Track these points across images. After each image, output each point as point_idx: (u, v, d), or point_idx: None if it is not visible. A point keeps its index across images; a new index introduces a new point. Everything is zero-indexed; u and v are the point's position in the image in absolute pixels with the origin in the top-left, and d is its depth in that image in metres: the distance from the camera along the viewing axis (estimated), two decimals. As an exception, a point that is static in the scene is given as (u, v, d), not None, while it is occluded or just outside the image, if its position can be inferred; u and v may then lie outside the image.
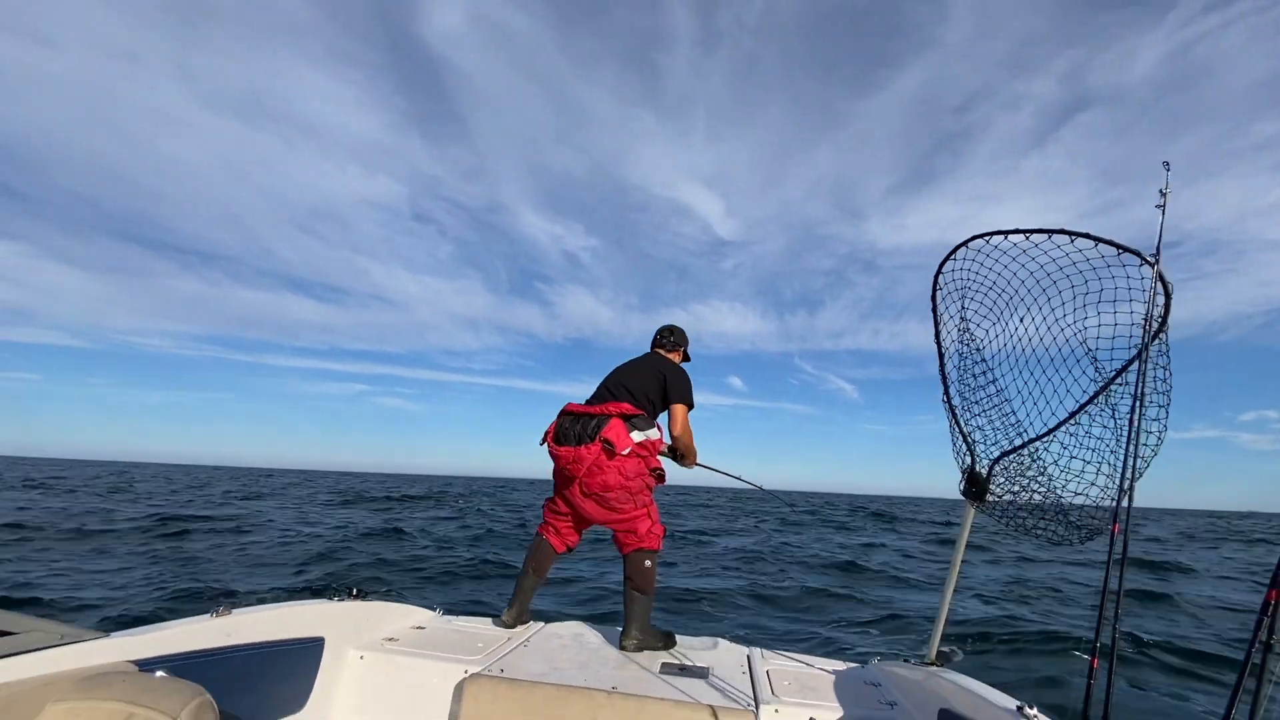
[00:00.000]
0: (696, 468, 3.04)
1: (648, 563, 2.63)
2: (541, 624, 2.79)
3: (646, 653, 2.49)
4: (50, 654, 1.44)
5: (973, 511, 2.28)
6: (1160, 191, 1.65)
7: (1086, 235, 1.82)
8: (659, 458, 2.79)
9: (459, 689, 2.08)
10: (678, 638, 2.67)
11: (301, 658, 2.10)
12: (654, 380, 2.79)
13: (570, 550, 2.89)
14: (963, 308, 2.28)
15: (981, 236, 2.08)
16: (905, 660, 2.44)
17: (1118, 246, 1.78)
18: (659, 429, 2.73)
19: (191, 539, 10.71)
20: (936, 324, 2.31)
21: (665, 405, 2.82)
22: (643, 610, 2.57)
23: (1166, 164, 1.69)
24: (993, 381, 2.23)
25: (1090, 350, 1.92)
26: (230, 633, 1.86)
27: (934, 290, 2.28)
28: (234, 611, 1.93)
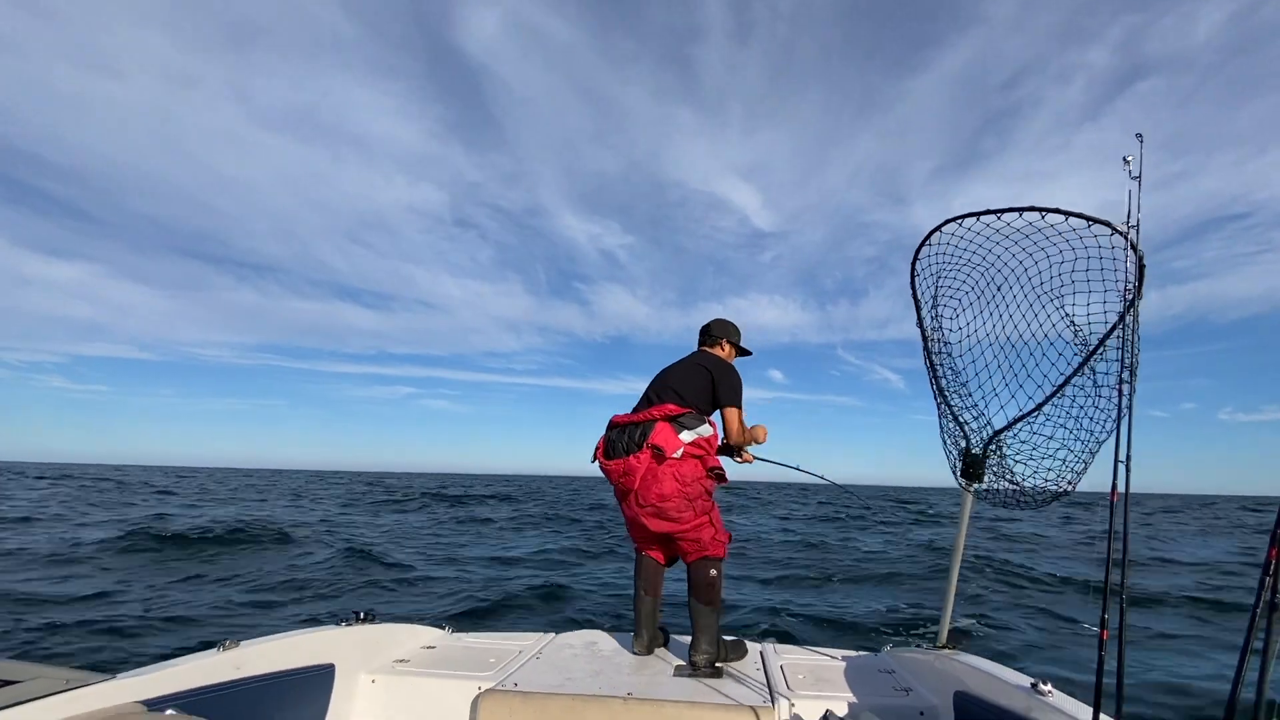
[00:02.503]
0: (758, 463, 2.83)
1: (713, 572, 2.47)
2: (553, 635, 2.78)
3: (659, 656, 2.48)
4: (56, 700, 1.42)
5: (970, 495, 2.30)
6: (1124, 159, 1.67)
7: (1057, 210, 1.85)
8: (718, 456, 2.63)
9: (474, 706, 2.07)
10: (684, 639, 2.66)
11: (312, 685, 2.08)
12: (699, 378, 2.61)
13: (674, 562, 2.72)
14: (940, 290, 2.33)
15: (954, 220, 2.13)
16: (917, 645, 2.45)
17: (1087, 219, 1.82)
18: (712, 424, 2.54)
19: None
20: (919, 310, 2.35)
21: (715, 405, 2.62)
22: (710, 623, 2.42)
23: (1139, 136, 1.71)
24: (976, 362, 2.26)
25: (1069, 318, 1.95)
26: (238, 666, 1.84)
27: (912, 277, 2.32)
28: (241, 644, 1.91)
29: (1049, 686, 1.72)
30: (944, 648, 2.29)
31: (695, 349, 2.89)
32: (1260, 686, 0.99)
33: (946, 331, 2.35)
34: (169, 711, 1.34)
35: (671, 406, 2.47)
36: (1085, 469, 2.01)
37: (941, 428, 2.42)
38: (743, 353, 2.97)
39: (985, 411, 2.29)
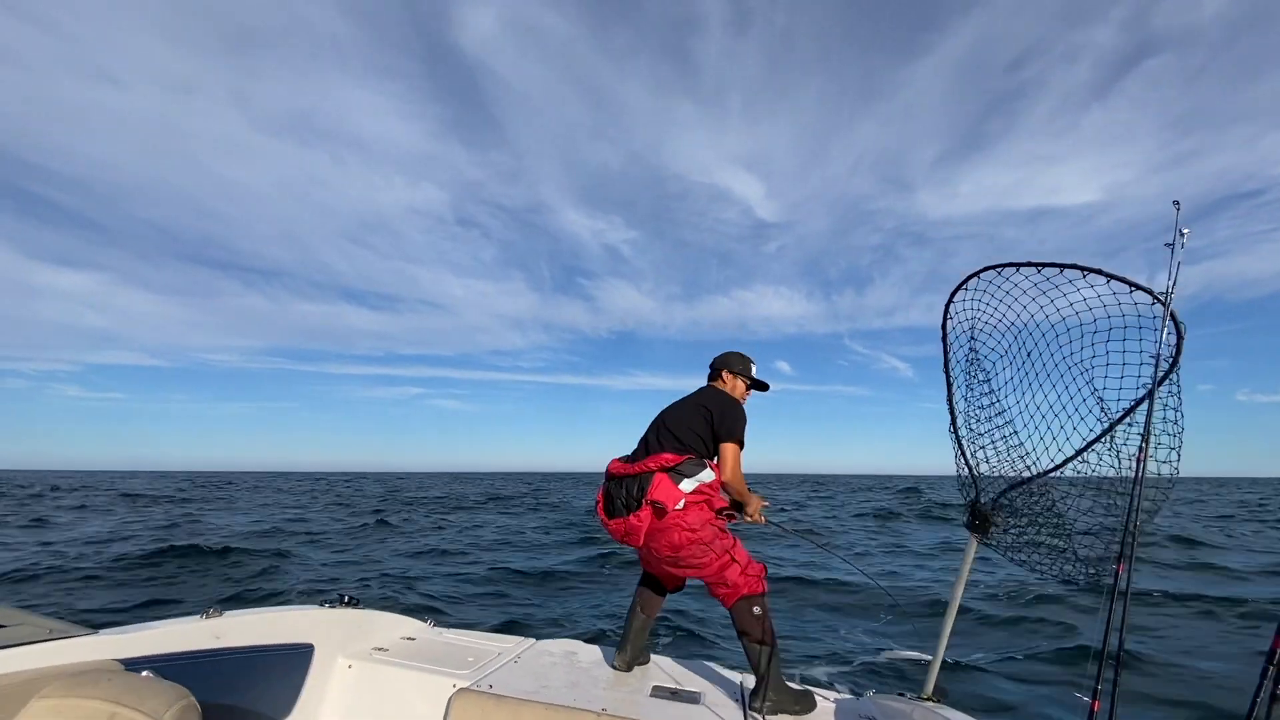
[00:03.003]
0: (767, 526, 2.57)
1: (756, 610, 2.29)
2: (533, 641, 2.76)
3: (637, 674, 2.44)
4: (38, 649, 1.43)
5: (974, 545, 2.26)
6: (1180, 231, 1.65)
7: (1099, 271, 1.82)
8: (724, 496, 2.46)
9: (448, 704, 2.05)
10: (668, 664, 2.62)
11: (290, 664, 2.08)
12: (699, 416, 2.44)
13: (679, 589, 2.65)
14: (972, 338, 2.28)
15: (993, 268, 2.10)
16: (900, 694, 2.39)
17: (1129, 284, 1.79)
18: (714, 469, 2.38)
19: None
20: (946, 354, 2.31)
21: (717, 443, 2.45)
22: (769, 665, 2.25)
23: (1177, 204, 1.69)
24: (1000, 414, 2.22)
25: (1096, 390, 1.91)
26: (219, 635, 1.85)
27: (944, 320, 2.28)
28: (224, 614, 1.92)
29: None
30: (928, 699, 2.24)
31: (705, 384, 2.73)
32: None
33: (981, 381, 2.30)
34: (145, 673, 1.35)
35: (668, 456, 2.31)
36: (1085, 564, 1.96)
37: (958, 474, 2.39)
38: (757, 386, 2.75)
39: (1000, 464, 2.25)
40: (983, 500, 2.26)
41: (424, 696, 2.12)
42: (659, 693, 2.26)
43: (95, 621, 1.73)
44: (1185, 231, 1.66)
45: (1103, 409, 1.94)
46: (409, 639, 2.55)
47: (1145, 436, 1.66)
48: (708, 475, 2.32)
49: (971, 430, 2.32)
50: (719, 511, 2.38)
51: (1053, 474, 2.06)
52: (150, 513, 18.30)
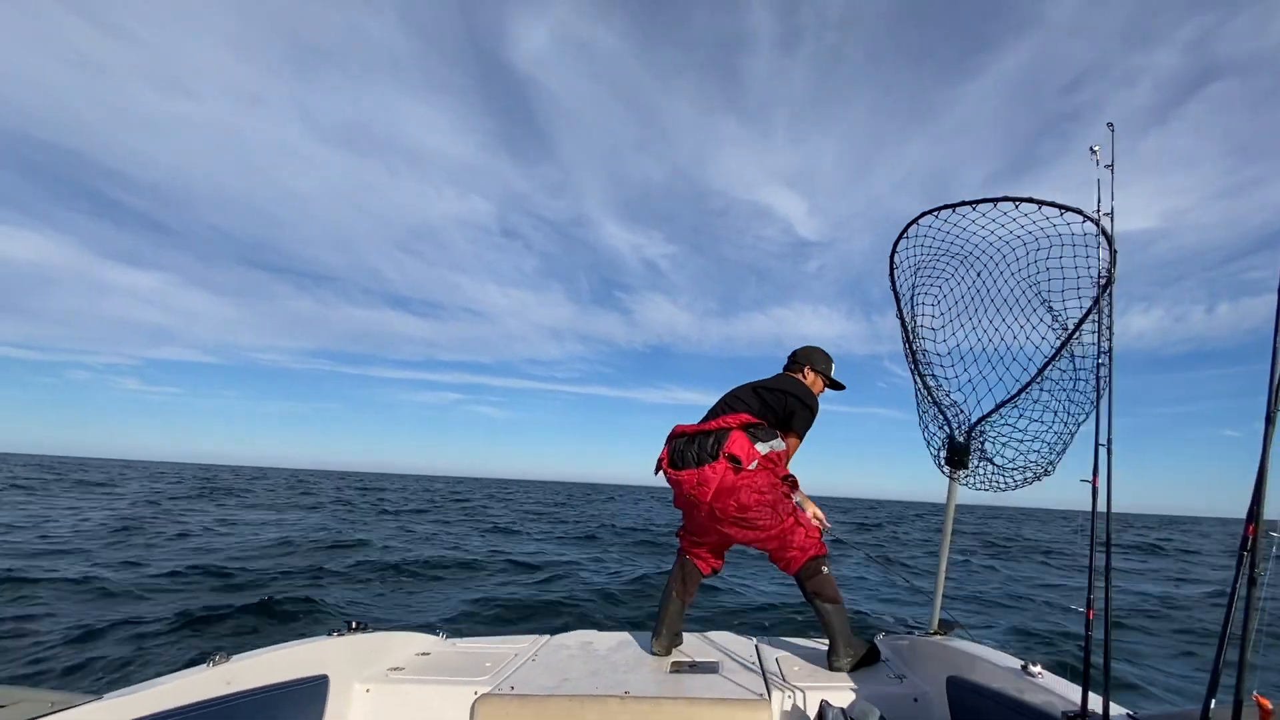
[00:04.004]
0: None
1: (824, 569, 2.37)
2: (547, 637, 2.77)
3: (655, 655, 2.47)
4: None
5: (956, 484, 2.33)
6: (1092, 149, 1.72)
7: (1030, 200, 1.92)
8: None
9: (471, 711, 2.06)
10: (685, 637, 2.67)
11: (306, 698, 2.06)
12: (774, 396, 2.49)
13: (716, 573, 2.66)
14: (918, 280, 2.39)
15: (931, 212, 2.19)
16: (909, 632, 2.47)
17: (1060, 207, 1.88)
18: (783, 438, 2.43)
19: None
20: (898, 300, 2.38)
21: (784, 427, 2.48)
22: (843, 622, 2.32)
23: (1110, 125, 1.75)
24: (957, 350, 2.32)
25: (1046, 302, 2.01)
26: (230, 681, 1.81)
27: (891, 269, 2.36)
28: (231, 659, 1.89)
29: (1039, 668, 1.75)
30: (936, 634, 2.32)
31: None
32: (1241, 657, 1.01)
33: (929, 319, 2.39)
34: None
35: (746, 416, 2.35)
36: (1064, 450, 2.06)
37: (921, 418, 2.46)
38: (834, 385, 2.78)
39: (967, 400, 2.33)
40: (958, 436, 2.33)
41: (447, 708, 2.12)
42: (679, 668, 2.30)
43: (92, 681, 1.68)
44: (1096, 149, 1.73)
45: (1054, 319, 2.04)
46: (423, 654, 2.54)
47: (1102, 348, 1.74)
48: (779, 444, 2.37)
49: (934, 373, 2.40)
50: (784, 479, 2.41)
51: (1017, 398, 2.15)
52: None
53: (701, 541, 2.58)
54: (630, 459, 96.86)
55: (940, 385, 2.39)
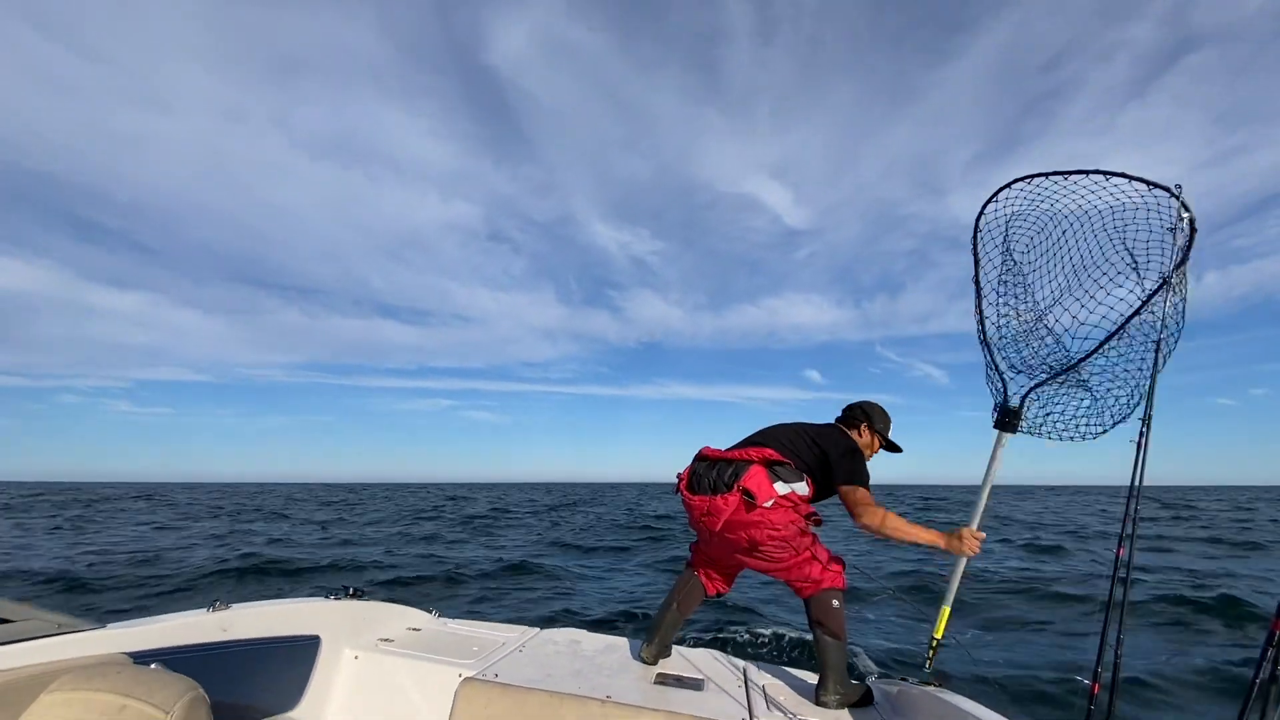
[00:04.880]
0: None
1: (835, 603, 2.27)
2: (537, 630, 2.78)
3: (642, 663, 2.46)
4: (46, 643, 1.45)
5: (1002, 446, 2.28)
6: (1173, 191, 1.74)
7: (1120, 174, 2.00)
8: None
9: (454, 693, 2.07)
10: (673, 651, 2.64)
11: (297, 655, 2.10)
12: (813, 445, 2.37)
13: (720, 595, 2.59)
14: (1006, 244, 2.41)
15: (1022, 179, 2.24)
16: (903, 679, 2.41)
17: (1147, 182, 1.95)
18: (810, 484, 2.30)
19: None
20: (977, 264, 2.39)
21: (823, 477, 2.36)
22: (839, 660, 2.26)
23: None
24: (1035, 312, 2.33)
25: (1131, 255, 2.05)
26: (226, 628, 1.86)
27: (975, 232, 2.40)
28: (231, 607, 1.94)
29: None
30: (929, 684, 2.26)
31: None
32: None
33: (1015, 282, 2.39)
34: (153, 665, 1.36)
35: (771, 452, 2.25)
36: (1118, 421, 2.09)
37: (987, 378, 2.42)
38: (890, 447, 2.63)
39: (1033, 363, 2.33)
40: (1011, 400, 2.29)
41: (430, 686, 2.14)
42: (664, 680, 2.28)
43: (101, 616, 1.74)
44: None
45: (1138, 273, 2.07)
46: (414, 630, 2.57)
47: (1164, 321, 1.80)
48: (802, 488, 2.26)
49: (1003, 334, 2.39)
50: (806, 517, 2.30)
51: (1077, 368, 2.15)
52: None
53: (714, 563, 2.53)
54: (632, 455, 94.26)
55: (1009, 351, 2.38)
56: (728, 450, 2.34)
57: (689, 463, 2.41)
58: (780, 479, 2.21)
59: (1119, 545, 1.86)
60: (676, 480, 2.38)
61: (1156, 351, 1.77)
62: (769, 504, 2.15)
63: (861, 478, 2.29)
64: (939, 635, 2.33)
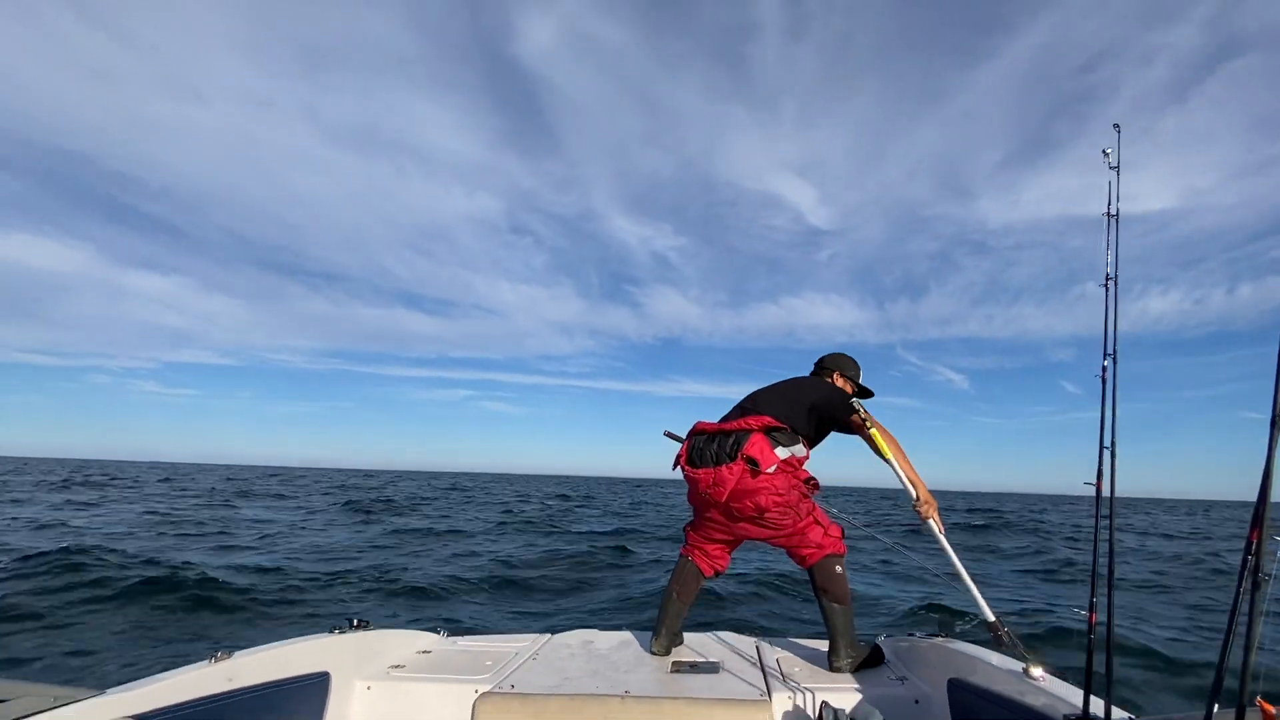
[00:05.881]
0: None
1: (838, 568, 2.35)
2: (548, 636, 2.77)
3: (656, 656, 2.47)
4: (45, 719, 1.40)
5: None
6: (1104, 151, 1.68)
7: None
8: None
9: (472, 710, 2.06)
10: (685, 637, 2.66)
11: (307, 694, 2.06)
12: (804, 397, 2.44)
13: (718, 574, 2.63)
14: None
15: None
16: (910, 634, 2.47)
17: None
18: (806, 444, 2.40)
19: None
20: None
21: (817, 428, 2.44)
22: (847, 623, 2.32)
23: (1116, 126, 1.74)
24: None
25: None
26: (231, 677, 1.82)
27: None
28: (234, 655, 1.89)
29: (1040, 670, 1.75)
30: (937, 635, 2.31)
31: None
32: (1245, 662, 1.01)
33: None
34: None
35: (767, 418, 2.31)
36: None
37: None
38: (862, 392, 2.73)
39: None
40: None
41: (447, 706, 2.13)
42: (679, 668, 2.30)
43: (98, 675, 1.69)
44: (1109, 151, 1.68)
45: None
46: (424, 652, 2.55)
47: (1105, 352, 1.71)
48: (800, 450, 2.36)
49: None
50: (806, 481, 2.40)
51: None
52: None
53: (712, 538, 2.55)
54: (645, 452, 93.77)
55: None
56: (723, 422, 2.39)
57: (684, 438, 2.46)
58: (779, 444, 2.28)
59: (1098, 479, 1.92)
60: (676, 458, 2.43)
61: (1103, 385, 1.66)
62: (771, 469, 2.21)
63: (857, 405, 2.34)
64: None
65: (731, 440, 2.27)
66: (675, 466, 2.43)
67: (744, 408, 2.49)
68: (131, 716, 1.52)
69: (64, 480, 28.24)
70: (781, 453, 2.28)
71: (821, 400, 2.43)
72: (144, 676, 1.71)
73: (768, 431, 2.29)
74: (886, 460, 2.33)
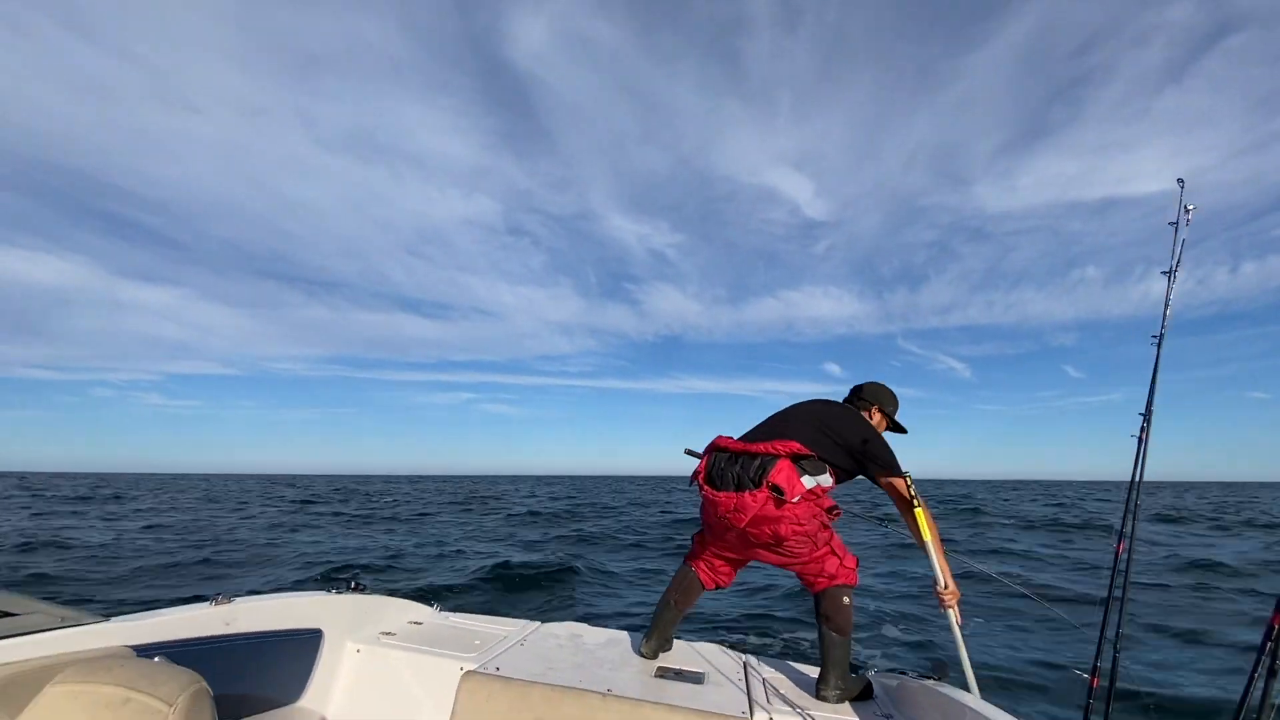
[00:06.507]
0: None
1: (845, 599, 2.28)
2: (538, 624, 2.79)
3: (642, 658, 2.47)
4: (50, 636, 1.45)
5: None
6: (1171, 224, 1.66)
7: None
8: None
9: (455, 687, 2.08)
10: (675, 644, 2.65)
11: (299, 649, 2.11)
12: (834, 429, 2.34)
13: (720, 588, 2.57)
14: None
15: None
16: (903, 672, 2.42)
17: None
18: (832, 474, 2.29)
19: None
20: None
21: (850, 467, 2.36)
22: (842, 655, 2.25)
23: (1181, 181, 1.69)
24: None
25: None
26: (228, 621, 1.87)
27: None
28: (234, 600, 1.94)
29: None
30: (929, 677, 2.26)
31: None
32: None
33: None
34: (156, 659, 1.37)
35: (796, 445, 2.19)
36: None
37: None
38: (896, 428, 2.65)
39: None
40: None
41: (431, 679, 2.15)
42: (664, 673, 2.29)
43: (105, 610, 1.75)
44: (1190, 208, 1.66)
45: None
46: (416, 623, 2.58)
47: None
48: (826, 480, 2.25)
49: None
50: (828, 510, 2.30)
51: None
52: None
53: (722, 555, 2.49)
54: (648, 449, 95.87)
55: None
56: (748, 442, 2.28)
57: (702, 453, 2.36)
58: (806, 472, 2.17)
59: (1118, 540, 1.86)
60: (694, 474, 2.34)
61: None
62: (796, 499, 2.12)
63: (899, 466, 2.27)
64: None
65: (757, 464, 2.16)
66: (692, 482, 2.34)
67: (772, 428, 2.37)
68: (131, 646, 1.58)
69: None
70: (808, 481, 2.17)
71: (870, 452, 2.30)
72: (149, 609, 1.77)
73: (795, 459, 2.18)
74: (923, 543, 2.23)
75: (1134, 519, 1.52)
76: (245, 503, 25.05)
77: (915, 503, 2.20)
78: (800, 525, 2.15)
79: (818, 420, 2.37)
